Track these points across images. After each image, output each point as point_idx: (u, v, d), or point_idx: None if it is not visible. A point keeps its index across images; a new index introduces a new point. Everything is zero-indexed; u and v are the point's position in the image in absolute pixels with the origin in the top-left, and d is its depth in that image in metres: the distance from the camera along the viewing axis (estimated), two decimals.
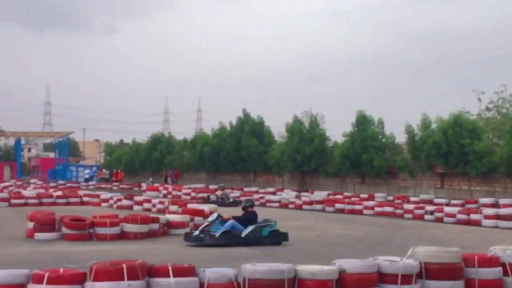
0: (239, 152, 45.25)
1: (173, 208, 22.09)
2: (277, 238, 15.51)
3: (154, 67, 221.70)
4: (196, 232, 15.33)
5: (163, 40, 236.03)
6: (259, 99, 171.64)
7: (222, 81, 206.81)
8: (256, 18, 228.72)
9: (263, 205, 32.13)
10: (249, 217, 15.59)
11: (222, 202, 30.39)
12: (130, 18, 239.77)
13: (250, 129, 45.37)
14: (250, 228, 15.19)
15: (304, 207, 29.99)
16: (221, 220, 15.30)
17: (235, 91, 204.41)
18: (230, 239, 14.90)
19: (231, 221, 15.26)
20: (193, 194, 36.69)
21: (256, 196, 34.08)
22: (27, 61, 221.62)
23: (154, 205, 26.19)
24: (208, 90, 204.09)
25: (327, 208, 29.11)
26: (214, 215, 15.79)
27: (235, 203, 30.68)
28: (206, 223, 15.69)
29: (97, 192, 33.10)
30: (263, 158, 43.49)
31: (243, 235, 15.06)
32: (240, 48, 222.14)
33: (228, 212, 22.96)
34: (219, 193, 32.27)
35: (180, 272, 7.50)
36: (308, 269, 7.84)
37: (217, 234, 14.91)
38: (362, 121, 37.14)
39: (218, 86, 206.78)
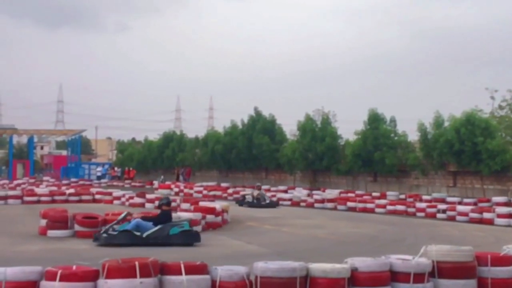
0: (250, 150, 45.23)
1: (184, 206, 22.12)
2: (187, 238, 14.57)
3: (166, 65, 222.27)
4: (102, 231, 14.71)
5: (175, 38, 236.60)
6: (271, 98, 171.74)
7: (234, 79, 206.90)
8: (268, 17, 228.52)
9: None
10: (161, 217, 14.83)
11: (258, 203, 29.36)
12: (142, 16, 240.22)
13: (261, 127, 45.32)
14: (156, 228, 14.40)
15: (316, 205, 29.95)
16: (133, 218, 14.72)
17: (247, 89, 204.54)
18: (129, 239, 14.08)
19: (135, 220, 14.54)
20: (204, 192, 36.71)
21: (268, 194, 34.09)
22: (40, 59, 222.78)
23: None
24: (220, 89, 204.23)
25: (339, 207, 29.05)
26: (124, 213, 15.25)
27: (272, 204, 29.63)
28: (114, 222, 15.00)
29: (109, 190, 33.23)
30: (275, 156, 43.45)
31: (144, 235, 14.21)
32: (252, 46, 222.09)
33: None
34: (255, 193, 30.59)
35: (192, 270, 7.52)
36: (320, 267, 7.83)
37: (115, 233, 14.28)
38: (374, 119, 37.01)
39: (230, 84, 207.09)
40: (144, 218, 14.87)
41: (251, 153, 45.20)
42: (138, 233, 14.25)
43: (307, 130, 40.35)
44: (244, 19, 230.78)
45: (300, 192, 34.34)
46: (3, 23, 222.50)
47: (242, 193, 33.14)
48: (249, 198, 30.15)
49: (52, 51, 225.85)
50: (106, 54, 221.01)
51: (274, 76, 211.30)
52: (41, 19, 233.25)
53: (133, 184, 50.88)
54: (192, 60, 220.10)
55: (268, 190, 36.68)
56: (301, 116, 42.02)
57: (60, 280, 7.06)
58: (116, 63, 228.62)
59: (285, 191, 36.39)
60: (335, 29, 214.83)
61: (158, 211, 15.42)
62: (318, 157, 39.53)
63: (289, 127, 49.50)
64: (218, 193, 36.17)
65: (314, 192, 34.22)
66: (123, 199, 28.93)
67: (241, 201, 30.11)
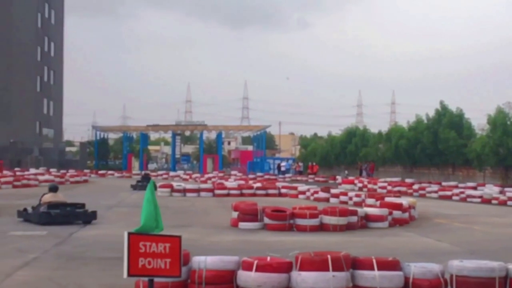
0: (436, 145, 43.91)
1: (370, 201, 21.94)
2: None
3: (346, 61, 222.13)
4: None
5: (356, 34, 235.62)
6: (456, 91, 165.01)
7: (416, 73, 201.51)
8: (448, 8, 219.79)
9: (463, 200, 30.90)
10: None
11: None
12: (323, 13, 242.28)
13: (448, 122, 43.80)
14: None
15: (509, 203, 28.26)
16: None
17: (428, 83, 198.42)
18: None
19: None
20: (389, 187, 36.15)
21: (455, 191, 32.86)
22: (226, 58, 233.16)
23: (350, 198, 26.19)
24: (402, 83, 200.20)
25: None
26: None
27: None
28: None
29: (294, 184, 33.85)
30: (462, 151, 41.77)
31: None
32: (432, 40, 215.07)
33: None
34: None
35: (385, 265, 7.43)
36: None
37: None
38: None
39: (412, 78, 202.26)
40: None
41: (436, 148, 43.87)
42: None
43: (497, 124, 38.22)
44: (424, 12, 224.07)
45: (491, 189, 32.63)
46: (193, 25, 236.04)
47: None
48: None
49: (237, 50, 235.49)
50: (288, 51, 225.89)
51: (459, 70, 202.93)
52: (226, 20, 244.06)
53: (316, 179, 51.51)
54: (373, 56, 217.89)
55: (456, 187, 35.30)
56: (490, 110, 39.96)
57: (257, 270, 7.30)
58: (298, 60, 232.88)
59: (474, 188, 34.80)
60: None
61: None
62: (510, 152, 37.28)
63: (476, 121, 47.31)
64: (403, 189, 35.39)
65: (506, 189, 32.34)
66: (307, 194, 29.32)
67: None
